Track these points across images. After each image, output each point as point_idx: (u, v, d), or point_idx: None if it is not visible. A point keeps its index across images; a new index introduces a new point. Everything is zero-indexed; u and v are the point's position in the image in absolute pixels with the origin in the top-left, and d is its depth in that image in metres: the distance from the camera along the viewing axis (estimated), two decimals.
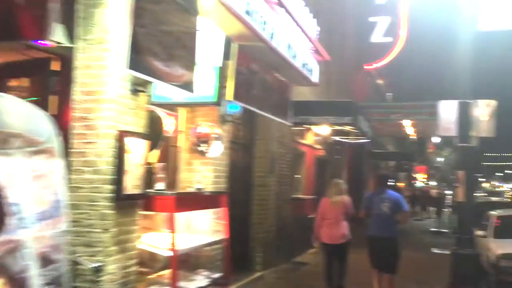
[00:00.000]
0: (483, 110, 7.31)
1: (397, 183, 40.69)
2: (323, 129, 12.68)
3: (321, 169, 13.93)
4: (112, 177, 4.29)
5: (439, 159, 56.01)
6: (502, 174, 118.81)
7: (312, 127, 12.22)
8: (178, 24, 3.93)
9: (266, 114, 6.37)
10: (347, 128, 11.85)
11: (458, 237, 7.17)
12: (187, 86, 4.25)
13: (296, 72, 6.44)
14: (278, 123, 8.99)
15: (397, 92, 29.80)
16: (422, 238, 17.33)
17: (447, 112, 7.54)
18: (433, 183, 58.95)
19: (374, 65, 19.07)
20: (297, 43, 6.13)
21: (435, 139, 47.08)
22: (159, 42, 3.67)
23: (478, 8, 7.56)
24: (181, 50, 4.02)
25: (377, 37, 18.56)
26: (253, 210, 8.40)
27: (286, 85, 7.29)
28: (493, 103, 7.34)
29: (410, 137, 23.61)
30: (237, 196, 7.85)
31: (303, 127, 11.66)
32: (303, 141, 12.03)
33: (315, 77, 7.50)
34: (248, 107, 5.68)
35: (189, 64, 4.20)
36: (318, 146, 13.30)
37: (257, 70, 5.71)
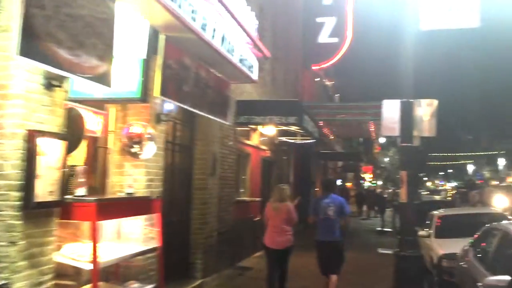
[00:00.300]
0: (425, 110, 7.26)
1: (345, 183, 41.44)
2: (269, 130, 12.42)
3: (268, 171, 13.70)
4: (20, 182, 3.78)
5: (385, 159, 57.61)
6: (444, 173, 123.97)
7: (258, 127, 11.95)
8: (90, 8, 3.47)
9: (201, 113, 5.96)
10: (293, 128, 11.65)
11: (401, 238, 7.06)
12: (102, 79, 3.78)
13: (233, 68, 6.08)
14: (220, 123, 8.64)
15: (345, 93, 30.24)
16: (369, 238, 17.51)
17: (390, 111, 7.44)
18: (380, 182, 60.59)
19: (321, 66, 19.10)
20: (234, 36, 5.75)
21: (382, 140, 48.42)
22: (64, 27, 3.19)
23: (419, 7, 7.50)
24: (94, 38, 3.56)
25: (324, 37, 18.61)
26: (193, 214, 7.98)
27: (224, 82, 6.91)
28: (434, 102, 7.29)
29: (357, 137, 23.93)
30: (176, 200, 7.43)
31: (248, 127, 11.37)
32: (248, 142, 11.73)
33: (255, 74, 7.17)
34: (179, 104, 5.26)
35: (105, 55, 3.74)
36: (264, 147, 13.04)
37: (189, 65, 5.29)
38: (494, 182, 69.63)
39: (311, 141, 14.21)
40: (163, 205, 5.74)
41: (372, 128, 17.01)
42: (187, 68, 5.25)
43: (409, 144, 7.14)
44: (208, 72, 5.93)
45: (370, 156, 47.34)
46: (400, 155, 7.43)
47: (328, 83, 27.07)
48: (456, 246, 8.24)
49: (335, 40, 18.53)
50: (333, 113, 16.02)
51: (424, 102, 7.33)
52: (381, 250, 13.29)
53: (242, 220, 10.61)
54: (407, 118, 7.21)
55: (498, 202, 24.92)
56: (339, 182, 37.71)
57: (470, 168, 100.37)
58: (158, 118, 6.03)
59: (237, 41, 5.89)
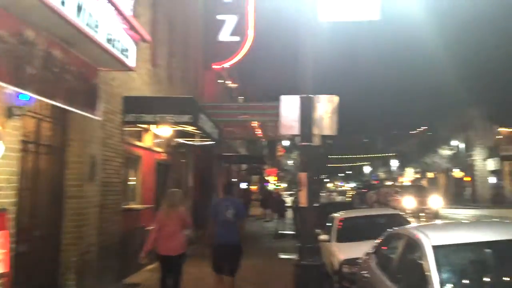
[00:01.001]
0: (326, 106, 6.77)
1: (249, 186, 41.28)
2: (164, 130, 11.42)
3: (164, 175, 12.64)
4: None
5: (289, 162, 58.62)
6: (343, 175, 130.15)
7: (150, 127, 10.90)
8: None
9: (55, 102, 4.83)
10: (189, 128, 10.77)
11: (300, 246, 6.48)
12: None
13: (100, 50, 5.05)
14: (102, 121, 7.53)
15: (249, 96, 29.85)
16: (270, 242, 17.05)
17: (289, 108, 6.86)
18: (284, 185, 61.53)
19: (223, 65, 18.41)
20: (98, 10, 4.70)
21: (285, 142, 49.08)
22: None
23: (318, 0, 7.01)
24: None
25: (225, 36, 17.96)
26: (64, 227, 6.78)
27: (90, 68, 5.79)
28: (335, 98, 6.83)
29: (261, 139, 23.61)
30: (40, 211, 6.20)
31: (139, 127, 10.29)
32: (139, 144, 10.63)
33: (131, 60, 6.17)
34: (16, 89, 4.13)
35: None
36: (159, 149, 11.99)
37: (34, 41, 4.20)
38: (388, 183, 74.05)
39: (211, 142, 13.42)
40: (21, 218, 4.61)
41: (259, 131, 16.73)
42: (31, 44, 4.15)
43: (309, 143, 6.59)
44: (66, 52, 4.82)
45: (274, 159, 47.76)
46: (299, 155, 6.83)
47: (231, 85, 26.53)
48: (357, 250, 7.88)
49: (236, 38, 17.94)
50: (234, 114, 15.40)
51: (324, 98, 6.84)
52: (282, 255, 12.83)
53: (131, 230, 9.51)
54: (307, 115, 6.66)
55: (407, 203, 26.02)
56: (244, 185, 37.46)
57: (367, 169, 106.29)
58: (8, 112, 4.85)
59: (104, 17, 4.85)
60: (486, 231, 4.02)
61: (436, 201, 27.49)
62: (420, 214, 26.04)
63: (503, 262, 3.94)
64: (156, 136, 11.49)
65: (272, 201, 22.06)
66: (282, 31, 18.96)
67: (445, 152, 54.75)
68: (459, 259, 4.04)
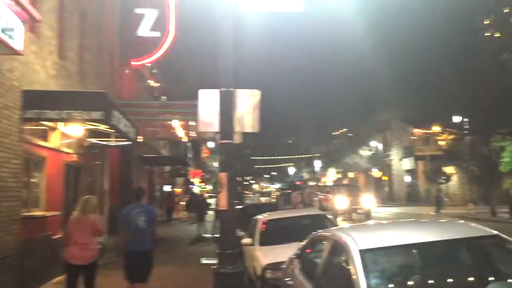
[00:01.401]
0: (247, 101, 6.32)
1: (174, 189, 40.21)
2: (74, 128, 10.47)
3: (75, 178, 11.61)
4: None
5: (214, 163, 57.97)
6: (268, 176, 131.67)
7: (58, 125, 9.91)
8: None
9: None
10: (102, 127, 9.91)
11: (220, 253, 5.97)
12: None
13: None
14: None
15: (172, 95, 28.83)
16: (194, 247, 16.40)
17: (208, 103, 6.34)
18: (209, 187, 60.77)
19: (142, 61, 17.46)
20: None
21: (210, 144, 48.43)
22: None
23: None
24: None
25: (145, 31, 17.04)
26: None
27: None
28: (257, 93, 6.40)
29: (183, 140, 22.82)
30: None
31: (44, 125, 9.28)
32: (44, 143, 9.58)
33: (17, 42, 5.30)
34: None
35: None
36: (68, 150, 10.96)
37: None
38: (311, 183, 75.71)
39: (127, 143, 12.55)
40: None
41: (182, 131, 16.11)
42: None
43: (230, 141, 6.10)
44: None
45: (199, 160, 46.95)
46: (219, 154, 6.32)
47: (153, 84, 25.52)
48: (281, 254, 7.51)
49: (156, 34, 17.08)
50: (154, 113, 14.61)
51: (245, 92, 6.39)
52: (204, 260, 12.25)
53: (34, 240, 8.51)
54: (227, 111, 6.16)
55: (339, 203, 26.05)
56: (168, 188, 36.37)
57: (292, 170, 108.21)
58: None
59: None
60: (415, 233, 3.76)
61: (368, 200, 27.39)
62: (353, 214, 25.86)
63: (432, 264, 3.69)
64: (65, 135, 10.49)
65: (196, 203, 21.33)
66: (206, 26, 18.26)
67: (365, 152, 56.81)
68: (388, 262, 3.74)
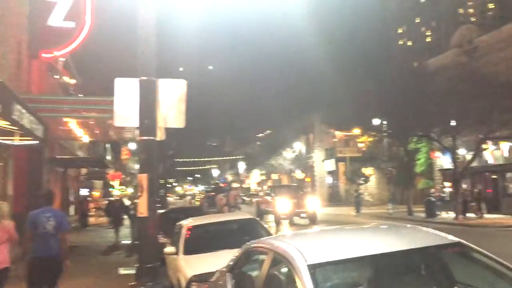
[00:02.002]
0: (172, 93, 5.55)
1: (91, 193, 37.90)
2: None
3: None
4: None
5: (136, 166, 55.75)
6: (192, 178, 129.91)
7: None
8: None
9: None
10: (0, 123, 8.63)
11: (138, 267, 5.14)
12: None
13: None
14: None
15: (90, 92, 26.90)
16: (111, 255, 15.17)
17: (126, 95, 5.49)
18: (130, 190, 58.27)
19: (54, 53, 15.84)
20: None
21: (132, 145, 46.31)
22: None
23: None
24: None
25: (57, 20, 15.50)
26: None
27: None
28: (183, 83, 5.64)
29: (101, 140, 21.36)
30: None
31: None
32: None
33: None
34: None
35: None
36: None
37: None
38: (235, 185, 75.48)
39: (35, 142, 11.20)
40: None
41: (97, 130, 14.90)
42: None
43: (151, 138, 5.29)
44: None
45: (119, 162, 44.78)
46: (139, 153, 5.47)
47: (69, 80, 23.69)
48: (209, 264, 6.82)
49: (71, 24, 15.62)
50: (69, 110, 13.29)
51: (170, 82, 5.61)
52: (122, 271, 11.21)
53: None
54: (149, 103, 5.35)
55: (281, 206, 23.87)
56: (85, 192, 34.14)
57: (215, 172, 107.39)
58: None
59: None
60: (372, 242, 3.21)
61: (313, 203, 25.33)
62: (294, 218, 24.35)
63: (392, 278, 3.16)
64: None
65: (111, 207, 19.90)
66: (130, 17, 16.92)
67: (289, 154, 57.42)
68: (342, 279, 3.16)
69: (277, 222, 23.64)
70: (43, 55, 15.76)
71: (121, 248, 15.89)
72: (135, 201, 21.83)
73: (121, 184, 44.42)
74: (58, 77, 20.89)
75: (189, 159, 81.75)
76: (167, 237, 9.64)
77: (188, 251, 7.58)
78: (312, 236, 3.99)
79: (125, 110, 5.51)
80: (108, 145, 35.13)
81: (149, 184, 5.20)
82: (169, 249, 7.87)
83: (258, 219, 8.63)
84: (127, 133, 16.59)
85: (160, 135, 5.50)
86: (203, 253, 7.37)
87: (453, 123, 26.93)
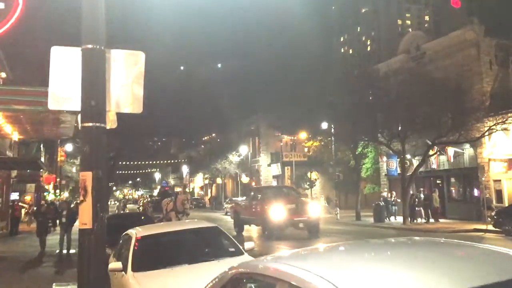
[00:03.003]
0: (126, 68, 4.30)
1: (24, 197, 34.97)
2: None
3: None
4: None
5: (73, 169, 52.54)
6: (132, 182, 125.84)
7: None
8: None
9: None
10: None
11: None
12: None
13: None
14: None
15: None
16: (46, 267, 13.45)
17: (65, 69, 4.20)
18: (66, 194, 54.94)
19: None
20: None
21: (68, 147, 43.49)
22: None
23: None
24: None
25: None
26: None
27: None
28: (140, 56, 4.41)
29: (36, 140, 19.32)
30: None
31: None
32: None
33: None
34: None
35: None
36: None
37: None
38: (178, 189, 73.37)
39: None
40: None
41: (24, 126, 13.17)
42: None
43: (98, 124, 4.03)
44: None
45: (54, 164, 41.83)
46: (81, 144, 4.16)
47: None
48: (164, 283, 5.62)
49: (0, 6, 13.74)
50: None
51: (124, 54, 4.37)
52: (55, 286, 9.64)
53: None
54: (95, 80, 4.09)
55: (274, 214, 18.70)
56: (14, 196, 31.36)
57: (157, 176, 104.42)
58: None
59: None
60: (425, 271, 2.14)
61: (315, 208, 20.20)
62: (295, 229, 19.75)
63: None
64: None
65: (38, 213, 18.01)
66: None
67: (234, 158, 56.38)
68: None
69: (269, 235, 19.23)
70: None
71: (48, 258, 14.20)
72: (72, 206, 20.03)
73: (56, 188, 41.49)
74: None
75: (131, 162, 78.59)
76: (110, 248, 8.27)
77: (139, 267, 6.28)
78: (331, 257, 2.79)
79: (64, 89, 4.21)
80: (42, 146, 32.48)
81: (95, 186, 3.94)
82: (114, 264, 6.54)
83: (220, 227, 7.45)
84: (64, 129, 14.86)
85: (110, 122, 4.25)
86: (157, 269, 6.13)
87: (401, 127, 27.02)
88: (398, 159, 30.97)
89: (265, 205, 19.97)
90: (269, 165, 56.54)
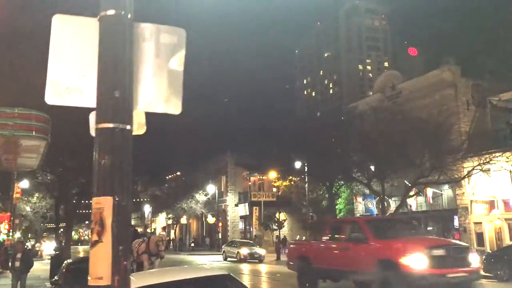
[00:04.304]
0: (160, 49, 3.01)
1: None
2: None
3: None
4: None
5: (27, 207, 49.09)
6: (88, 222, 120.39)
7: None
8: None
9: None
10: None
11: None
12: None
13: None
14: None
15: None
16: None
17: (72, 45, 2.88)
18: (18, 235, 51.06)
19: None
20: None
21: (24, 183, 40.41)
22: None
23: None
24: None
25: None
26: None
27: None
28: (180, 34, 3.12)
29: None
30: None
31: None
32: None
33: None
34: None
35: None
36: None
37: None
38: (139, 229, 70.04)
39: None
40: None
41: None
42: None
43: (123, 127, 2.69)
44: None
45: (8, 201, 38.58)
46: (98, 155, 2.75)
47: None
48: None
49: None
50: None
51: (158, 30, 3.06)
52: None
53: None
54: (120, 62, 2.77)
55: (415, 261, 10.53)
56: None
57: None
58: None
59: None
60: None
61: (475, 258, 12.40)
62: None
63: None
64: None
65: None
66: None
67: (201, 197, 54.48)
68: None
69: None
70: None
71: None
72: (26, 247, 17.60)
73: (10, 227, 38.17)
74: None
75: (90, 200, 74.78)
76: None
77: None
78: None
79: (70, 75, 2.87)
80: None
81: (117, 218, 2.56)
82: None
83: (232, 275, 6.01)
84: (28, 160, 13.10)
85: (137, 125, 2.92)
86: None
87: (381, 167, 26.35)
88: (375, 200, 30.24)
89: (391, 248, 12.18)
90: (236, 205, 54.90)
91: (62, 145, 16.17)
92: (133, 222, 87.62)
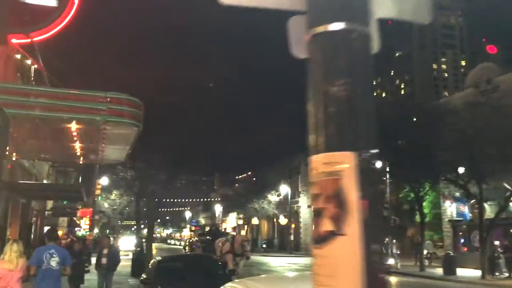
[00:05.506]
0: None
1: (56, 232, 32.65)
2: None
3: None
4: None
5: (105, 204, 50.29)
6: (159, 220, 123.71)
7: None
8: None
9: None
10: None
11: None
12: None
13: None
14: None
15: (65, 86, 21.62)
16: None
17: None
18: (96, 230, 52.47)
19: (30, 39, 11.72)
20: None
21: (104, 180, 41.15)
22: None
23: None
24: None
25: None
26: None
27: None
28: None
29: (77, 162, 17.12)
30: None
31: None
32: None
33: None
34: None
35: None
36: None
37: None
38: (207, 228, 70.31)
39: None
40: None
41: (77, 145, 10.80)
42: None
43: (362, 29, 1.50)
44: None
45: (91, 197, 39.53)
46: (320, 73, 1.59)
47: (34, 65, 19.12)
48: None
49: (52, 2, 11.76)
50: (45, 107, 9.21)
51: None
52: None
53: None
54: None
55: None
56: (56, 234, 29.04)
57: (188, 214, 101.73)
58: None
59: None
60: None
61: None
62: None
63: None
64: None
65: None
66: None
67: (273, 198, 53.48)
68: None
69: None
70: (14, 41, 11.71)
71: None
72: (112, 243, 17.04)
73: (90, 223, 39.04)
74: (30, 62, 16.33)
75: (167, 199, 76.23)
76: None
77: None
78: None
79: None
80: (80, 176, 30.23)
81: (367, 190, 1.37)
82: None
83: None
84: (113, 151, 12.53)
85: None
86: None
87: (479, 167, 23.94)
88: (467, 203, 27.79)
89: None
90: (309, 206, 53.39)
91: (147, 138, 15.39)
92: (203, 221, 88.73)
